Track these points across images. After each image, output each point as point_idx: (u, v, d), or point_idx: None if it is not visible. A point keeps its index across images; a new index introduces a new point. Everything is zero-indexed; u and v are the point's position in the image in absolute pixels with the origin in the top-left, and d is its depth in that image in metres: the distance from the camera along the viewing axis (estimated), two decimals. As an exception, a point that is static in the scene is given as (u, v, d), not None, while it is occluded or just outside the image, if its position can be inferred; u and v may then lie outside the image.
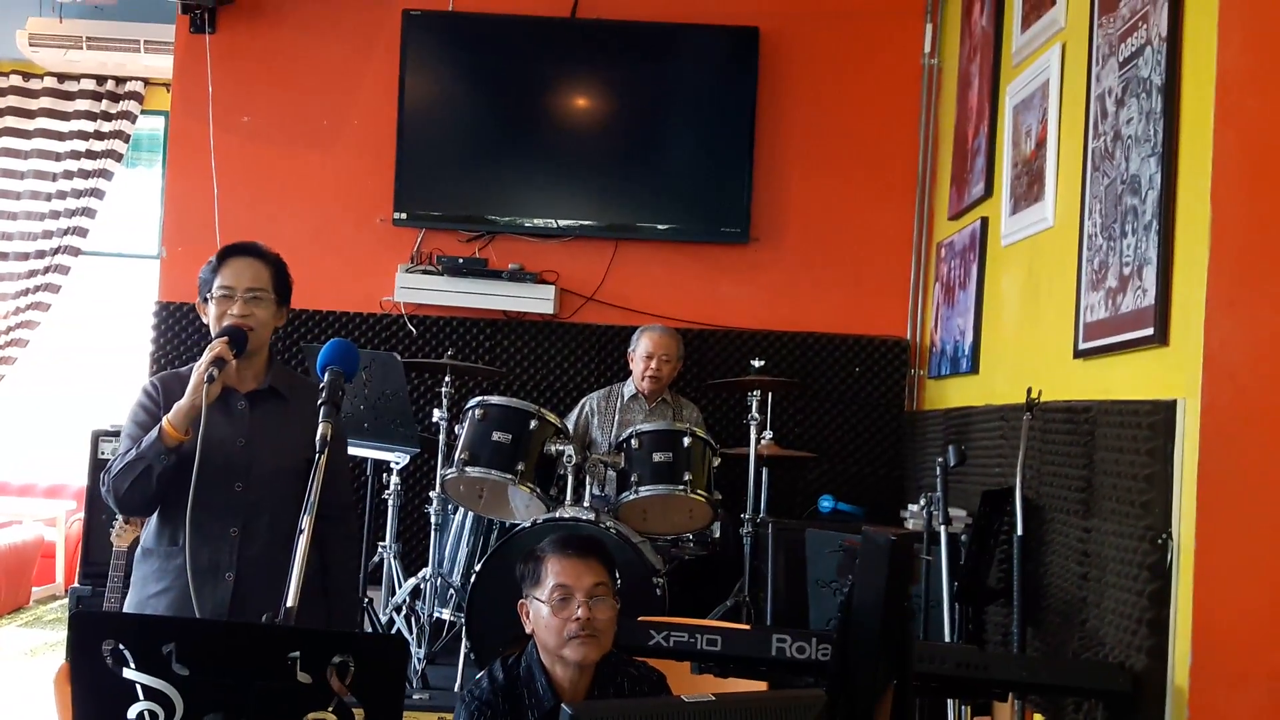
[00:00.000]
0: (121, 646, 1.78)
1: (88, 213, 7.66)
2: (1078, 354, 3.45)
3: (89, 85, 7.62)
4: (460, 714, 2.66)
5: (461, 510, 4.91)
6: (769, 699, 1.93)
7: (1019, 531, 3.24)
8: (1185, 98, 2.89)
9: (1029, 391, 3.39)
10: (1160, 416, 2.79)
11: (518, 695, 2.65)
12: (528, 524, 4.32)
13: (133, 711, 1.80)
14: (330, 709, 1.82)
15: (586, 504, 4.54)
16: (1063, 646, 3.25)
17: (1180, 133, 2.90)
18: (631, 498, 4.56)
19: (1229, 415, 2.65)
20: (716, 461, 4.70)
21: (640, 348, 5.27)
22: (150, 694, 1.80)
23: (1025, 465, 3.34)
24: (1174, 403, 2.76)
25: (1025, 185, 4.13)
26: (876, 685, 2.59)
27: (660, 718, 1.65)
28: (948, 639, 3.42)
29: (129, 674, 1.79)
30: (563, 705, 1.60)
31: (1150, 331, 2.93)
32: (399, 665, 1.92)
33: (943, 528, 3.42)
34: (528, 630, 2.73)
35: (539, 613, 2.67)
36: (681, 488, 4.53)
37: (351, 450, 4.80)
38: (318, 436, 2.36)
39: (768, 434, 5.10)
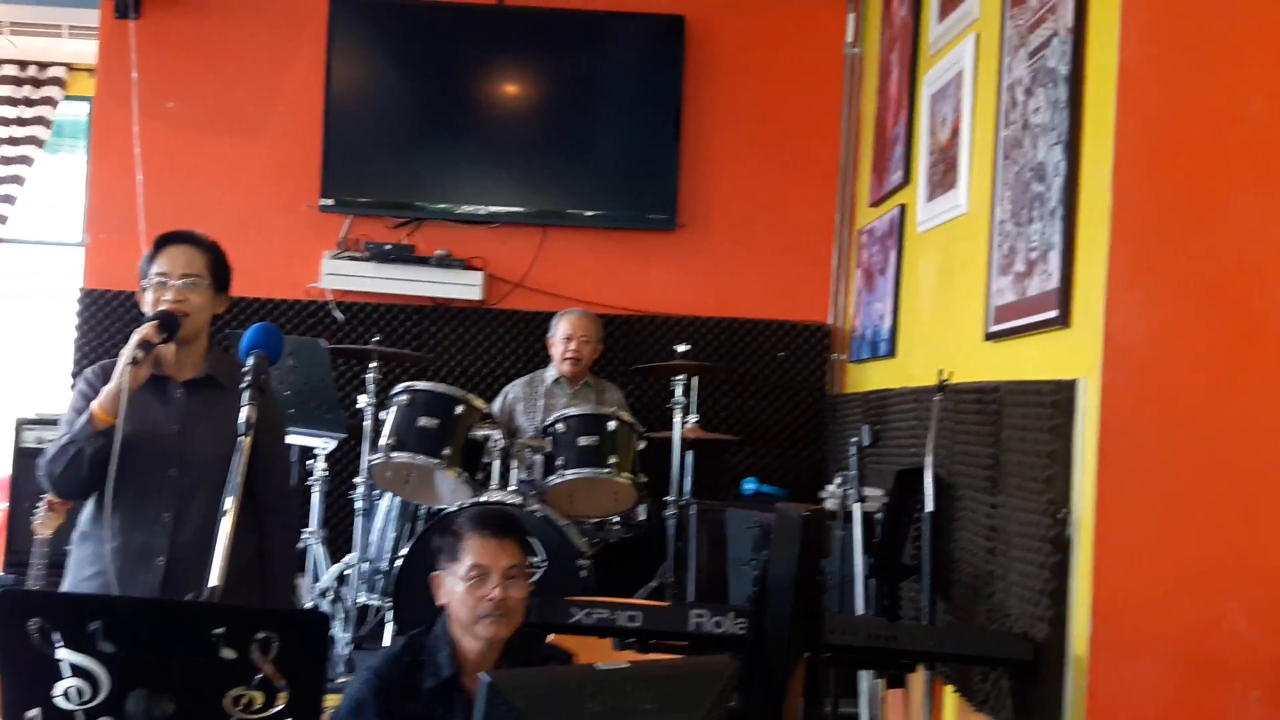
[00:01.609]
0: (48, 625, 1.82)
1: (8, 200, 7.55)
2: (988, 336, 3.56)
3: (10, 71, 7.51)
4: (355, 682, 2.75)
5: (387, 495, 4.94)
6: (680, 666, 2.01)
7: (929, 509, 3.35)
8: (1089, 88, 3.00)
9: (940, 373, 3.50)
10: (1061, 395, 2.91)
11: (416, 664, 2.72)
12: (454, 508, 4.37)
13: (59, 688, 1.84)
14: (254, 684, 1.87)
15: (513, 487, 4.60)
16: (971, 618, 3.36)
17: (1084, 122, 3.01)
18: (558, 481, 4.62)
19: (1127, 394, 2.76)
20: (642, 445, 4.78)
21: (559, 331, 5.34)
22: (76, 671, 1.83)
23: (936, 445, 3.45)
24: (1074, 382, 2.87)
25: (940, 173, 4.24)
26: (790, 656, 2.68)
27: (576, 684, 1.72)
28: (862, 613, 3.53)
29: (55, 652, 1.82)
30: (480, 674, 1.66)
31: (1055, 314, 3.04)
32: (321, 640, 1.96)
33: (857, 506, 3.53)
34: (440, 602, 2.80)
35: (454, 588, 2.74)
36: (607, 470, 4.60)
37: (279, 436, 4.82)
38: (241, 420, 2.40)
39: (692, 417, 5.18)
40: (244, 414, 2.42)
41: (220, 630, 1.85)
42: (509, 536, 2.80)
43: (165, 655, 1.85)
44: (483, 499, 4.44)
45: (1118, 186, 2.78)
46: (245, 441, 2.36)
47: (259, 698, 1.88)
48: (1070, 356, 2.98)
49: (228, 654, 1.86)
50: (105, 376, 2.94)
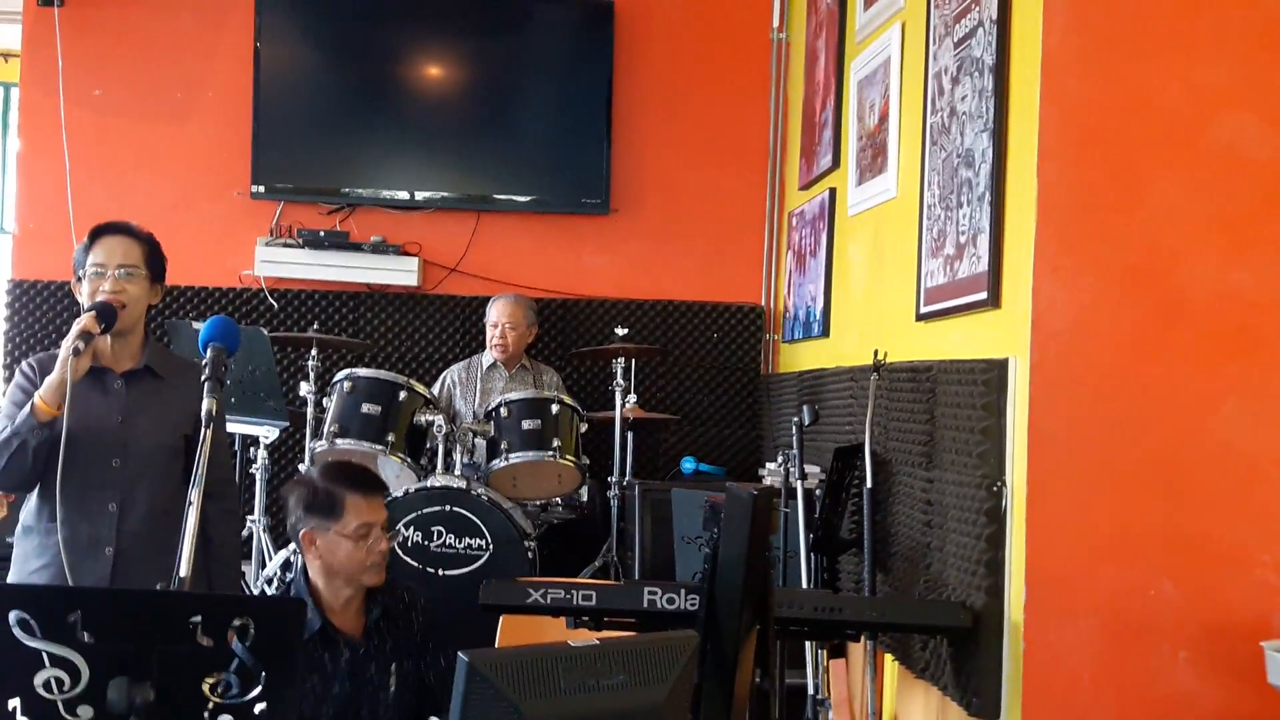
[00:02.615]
0: (27, 616, 1.86)
1: (-72, 188, 7.44)
2: (920, 317, 3.68)
3: (-73, 57, 7.39)
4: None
5: (332, 481, 4.96)
6: (647, 641, 2.09)
7: (868, 484, 3.46)
8: (1013, 77, 3.12)
9: (876, 353, 3.61)
10: (993, 374, 3.03)
11: None
12: (399, 493, 4.42)
13: (39, 679, 1.88)
14: (231, 669, 1.93)
15: (457, 472, 4.66)
16: (910, 589, 3.49)
17: (1010, 110, 3.12)
18: (502, 465, 4.68)
19: (1054, 371, 2.89)
20: (584, 427, 4.86)
21: (490, 316, 5.43)
22: (56, 661, 1.88)
23: (873, 422, 3.57)
24: (1006, 361, 2.99)
25: (870, 158, 4.36)
26: (741, 630, 2.78)
27: (549, 661, 1.79)
28: (805, 587, 3.64)
29: (34, 643, 1.86)
30: (459, 653, 1.73)
31: (984, 295, 3.16)
32: (296, 626, 2.02)
33: (799, 483, 3.64)
34: (310, 558, 3.06)
35: (336, 545, 3.00)
36: (551, 453, 4.67)
37: (220, 425, 4.83)
38: (202, 411, 2.44)
39: (631, 398, 5.27)
40: (205, 405, 2.46)
41: (197, 618, 1.90)
42: (379, 494, 3.13)
43: (144, 644, 1.90)
44: (427, 484, 4.49)
45: (1042, 173, 2.90)
46: (207, 434, 2.40)
47: (236, 683, 1.93)
48: (1000, 336, 3.10)
49: (205, 641, 1.91)
50: (42, 369, 2.95)
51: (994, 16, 3.21)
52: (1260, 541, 2.85)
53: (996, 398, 3.02)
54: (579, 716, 1.82)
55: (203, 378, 2.52)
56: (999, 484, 3.00)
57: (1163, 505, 2.87)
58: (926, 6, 3.76)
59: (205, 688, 1.93)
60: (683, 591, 2.97)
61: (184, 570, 2.21)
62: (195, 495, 2.32)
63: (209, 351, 2.57)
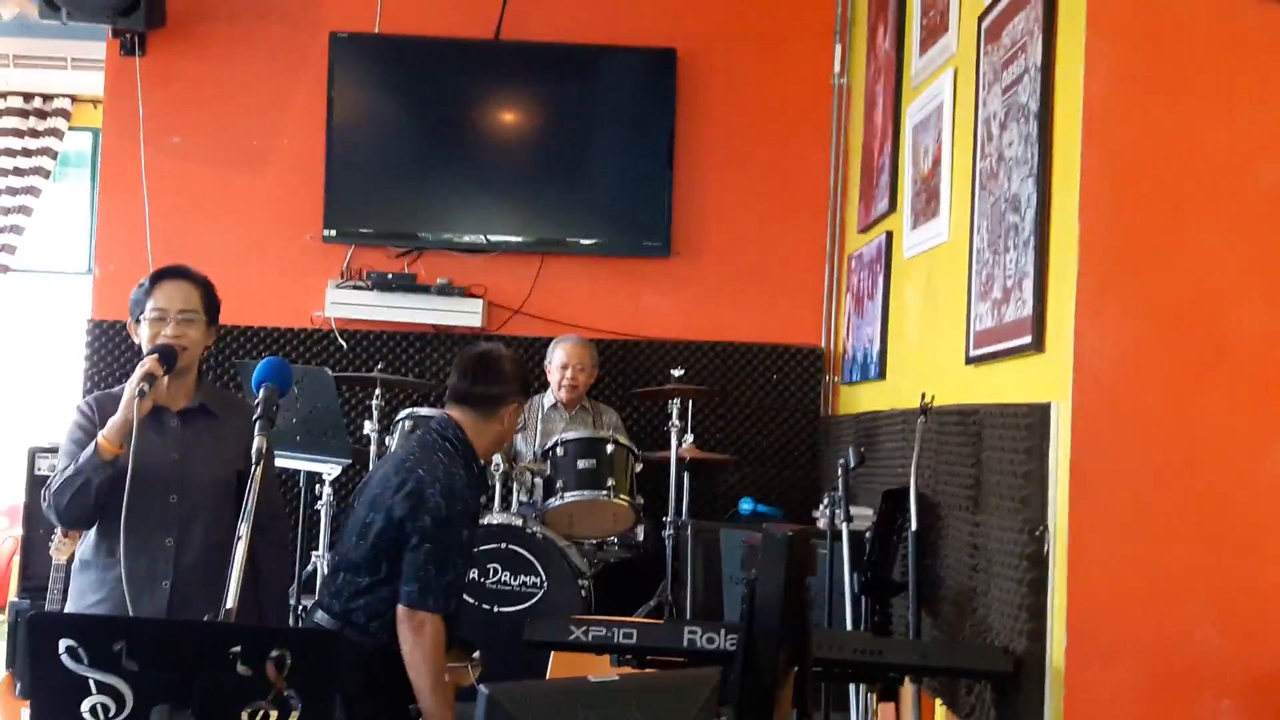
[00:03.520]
0: (76, 644, 1.95)
1: (16, 230, 7.71)
2: (969, 360, 3.69)
3: (15, 103, 7.68)
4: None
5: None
6: (668, 678, 2.14)
7: (913, 527, 3.48)
8: (1057, 123, 3.14)
9: (923, 396, 3.63)
10: (1036, 418, 3.04)
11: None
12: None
13: (86, 705, 1.97)
14: (269, 699, 2.00)
15: (514, 510, 4.73)
16: (956, 634, 3.49)
17: (1054, 156, 3.14)
18: (558, 503, 4.75)
19: (1096, 416, 2.90)
20: (638, 467, 4.92)
21: (555, 359, 5.48)
22: (102, 688, 1.96)
23: (921, 465, 3.58)
24: (1048, 405, 3.00)
25: (924, 201, 4.38)
26: (779, 671, 2.81)
27: (568, 696, 1.84)
28: (849, 629, 3.65)
29: (82, 670, 1.95)
30: (479, 686, 1.79)
31: (1029, 340, 3.17)
32: (331, 657, 2.09)
33: (844, 525, 3.65)
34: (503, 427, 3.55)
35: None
36: (605, 493, 4.73)
37: (284, 462, 4.96)
38: (253, 449, 2.52)
39: (689, 438, 5.31)
40: (256, 443, 2.54)
41: (237, 648, 1.98)
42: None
43: (185, 672, 1.98)
44: (485, 521, 4.56)
45: (1084, 218, 2.92)
46: (257, 471, 2.48)
47: (274, 713, 2.01)
48: (1044, 380, 3.11)
49: (244, 671, 1.99)
50: (100, 407, 3.07)
51: (1039, 63, 3.23)
52: (1307, 589, 2.82)
53: (1039, 442, 3.02)
54: (599, 750, 1.87)
55: (254, 417, 2.61)
56: (1041, 528, 2.99)
57: (1206, 551, 2.85)
58: (977, 53, 3.79)
59: (245, 716, 2.01)
60: (723, 631, 3.00)
61: (230, 602, 2.29)
62: (244, 529, 2.40)
63: (261, 391, 2.67)
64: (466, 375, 3.50)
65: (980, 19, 3.74)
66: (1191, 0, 2.93)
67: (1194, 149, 2.91)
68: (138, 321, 3.11)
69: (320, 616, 3.33)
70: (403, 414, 4.84)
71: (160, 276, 3.14)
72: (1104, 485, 2.89)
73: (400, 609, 3.19)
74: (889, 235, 4.93)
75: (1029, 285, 3.21)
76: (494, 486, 4.75)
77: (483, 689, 1.80)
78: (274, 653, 1.98)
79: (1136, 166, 2.92)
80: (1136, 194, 2.92)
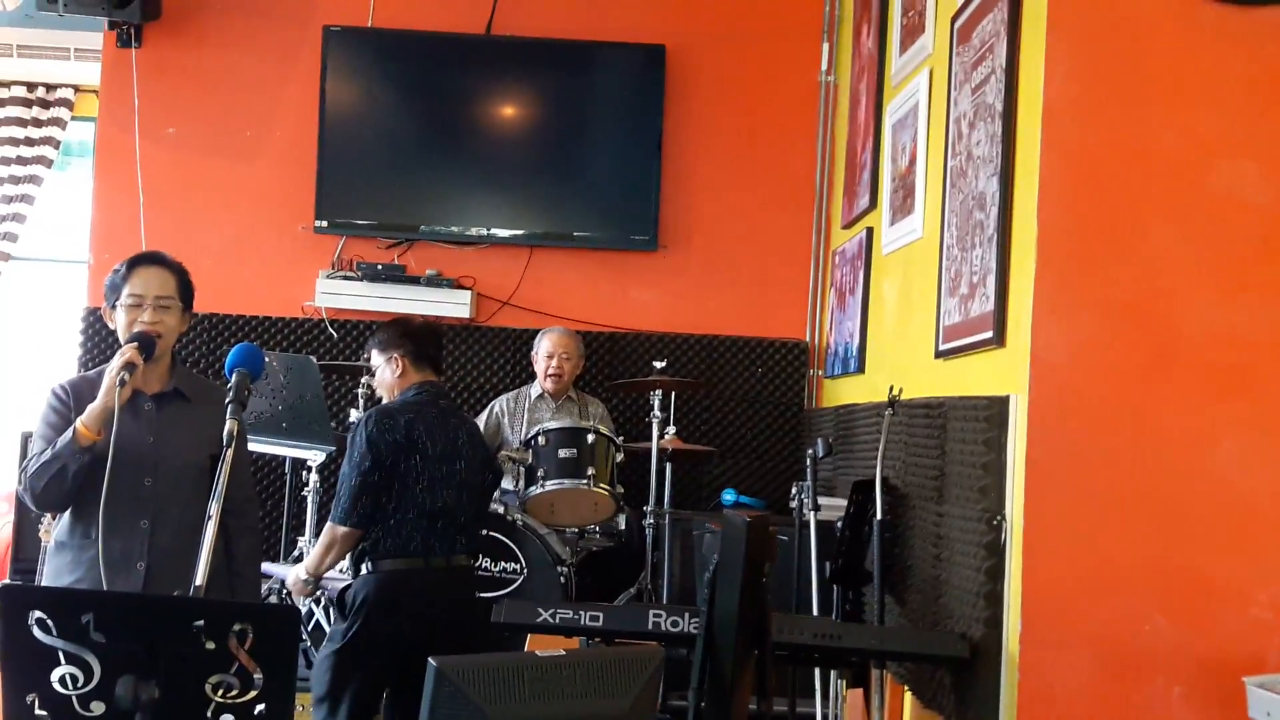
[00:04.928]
0: (45, 616, 2.02)
1: (18, 219, 7.78)
2: (938, 354, 3.77)
3: (19, 92, 7.75)
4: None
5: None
6: (612, 654, 2.21)
7: (879, 517, 3.55)
8: (1020, 123, 3.21)
9: (890, 389, 3.70)
10: (995, 411, 3.11)
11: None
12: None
13: (55, 675, 2.04)
14: (231, 671, 2.08)
15: (497, 498, 4.80)
16: (921, 620, 3.56)
17: (1016, 155, 3.22)
18: (538, 491, 4.83)
19: (1051, 409, 2.97)
20: (619, 456, 4.99)
21: (541, 348, 5.56)
22: (71, 659, 2.04)
23: (889, 457, 3.66)
24: (1007, 398, 3.08)
25: (901, 198, 4.45)
26: (739, 655, 2.88)
27: (518, 670, 1.92)
28: (815, 615, 3.73)
29: (51, 641, 2.03)
30: (429, 659, 1.86)
31: (991, 334, 3.24)
32: (293, 632, 2.17)
33: (811, 514, 3.73)
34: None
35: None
36: (585, 481, 4.81)
37: (271, 449, 5.05)
38: (225, 431, 2.59)
39: (671, 429, 5.38)
40: (227, 426, 2.61)
41: (200, 623, 2.06)
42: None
43: (151, 645, 2.05)
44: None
45: (1042, 216, 2.99)
46: (229, 453, 2.55)
47: (237, 684, 2.08)
48: (1004, 374, 3.18)
49: (208, 644, 2.06)
50: (75, 392, 3.13)
51: (1004, 64, 3.30)
52: (1254, 578, 2.90)
53: (998, 434, 3.10)
54: (544, 723, 1.94)
55: (227, 400, 2.68)
56: (999, 518, 3.07)
57: (1158, 541, 2.93)
58: (950, 53, 3.86)
59: (208, 688, 2.09)
60: (687, 615, 3.08)
61: (199, 579, 2.36)
62: (214, 509, 2.47)
63: (234, 376, 2.73)
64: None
65: (953, 20, 3.81)
66: (1149, 4, 3.00)
67: (1150, 150, 2.98)
68: (113, 307, 3.17)
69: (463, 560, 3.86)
70: (389, 402, 4.90)
71: (136, 263, 3.20)
72: (1058, 476, 2.96)
73: None
74: (869, 231, 5.00)
75: (992, 281, 3.28)
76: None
77: (431, 661, 1.88)
78: (236, 627, 2.05)
79: (1094, 166, 2.99)
80: (1093, 193, 2.99)
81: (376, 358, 3.98)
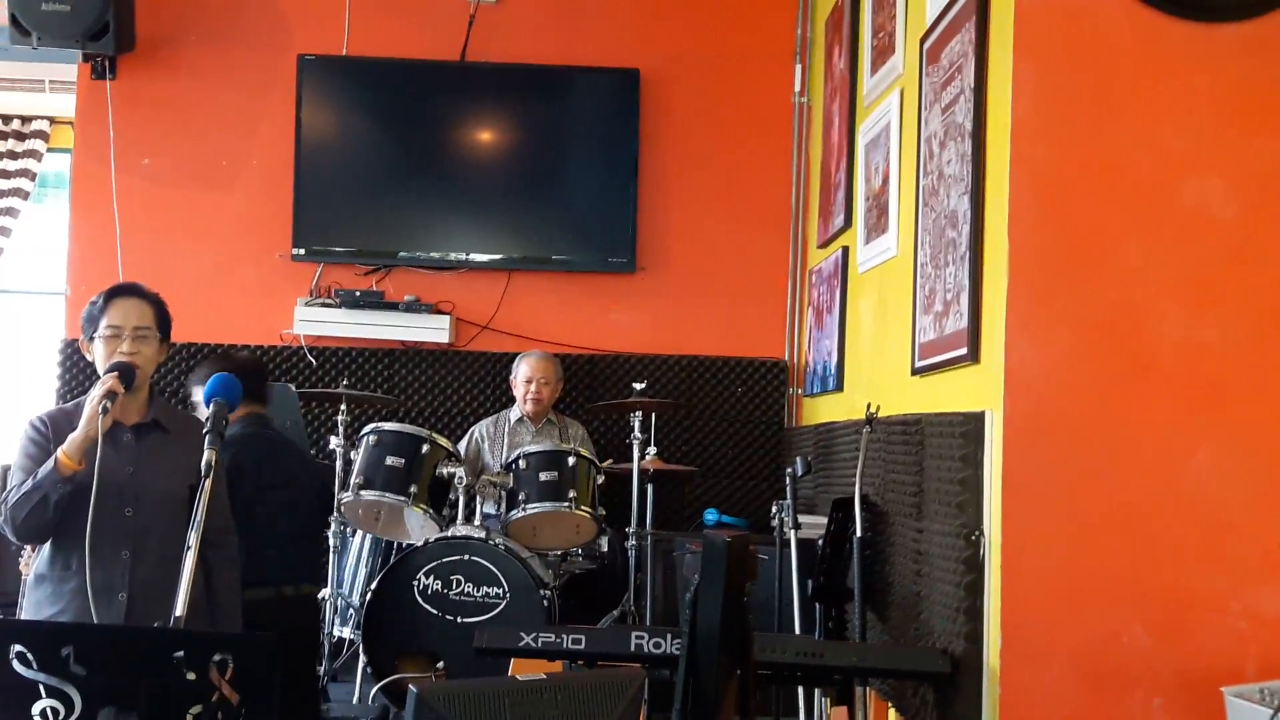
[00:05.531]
0: (25, 650, 2.03)
1: (-5, 251, 7.76)
2: (914, 371, 3.79)
3: (-7, 124, 7.74)
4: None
5: (360, 532, 5.15)
6: (594, 678, 2.21)
7: (859, 534, 3.57)
8: (989, 142, 3.24)
9: (868, 407, 3.72)
10: (971, 427, 3.13)
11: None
12: (420, 543, 4.58)
13: (36, 708, 2.05)
14: (212, 700, 2.08)
15: (478, 522, 4.81)
16: (902, 637, 3.58)
17: (986, 173, 3.25)
18: (520, 515, 4.83)
19: (1027, 424, 3.00)
20: (600, 479, 5.00)
21: (520, 373, 5.57)
22: (52, 692, 2.04)
23: (868, 474, 3.68)
24: (982, 414, 3.10)
25: (875, 218, 4.49)
26: (721, 674, 2.89)
27: (498, 695, 1.92)
28: (798, 633, 3.74)
29: (31, 674, 2.03)
30: (410, 687, 1.87)
31: (965, 351, 3.27)
32: (272, 662, 2.17)
33: (792, 532, 3.75)
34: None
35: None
36: (567, 504, 4.81)
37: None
38: (203, 462, 2.60)
39: (651, 450, 5.40)
40: (205, 456, 2.62)
41: (180, 653, 2.06)
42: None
43: (131, 676, 2.06)
44: (449, 534, 4.64)
45: (1013, 233, 3.02)
46: (207, 483, 2.56)
47: (218, 715, 2.09)
48: (979, 390, 3.21)
49: (189, 675, 2.07)
50: (54, 424, 3.13)
51: (972, 84, 3.34)
52: (1230, 588, 2.92)
53: (974, 450, 3.12)
54: (526, 748, 1.95)
55: (204, 430, 2.68)
56: (977, 533, 3.09)
57: (1135, 553, 2.95)
58: (920, 74, 3.90)
59: (189, 718, 2.09)
60: (669, 636, 3.09)
61: (179, 610, 2.37)
62: (194, 539, 2.48)
63: (211, 406, 2.74)
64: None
65: (922, 41, 3.85)
66: (1115, 21, 3.04)
67: (1118, 166, 3.01)
68: (91, 339, 3.17)
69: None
70: (367, 429, 4.91)
71: (113, 294, 3.20)
72: (1034, 491, 2.99)
73: None
74: (845, 250, 5.03)
75: (965, 299, 3.31)
76: (458, 499, 4.83)
77: (412, 688, 1.88)
78: (216, 657, 2.06)
79: (1063, 184, 3.03)
80: (1063, 210, 3.02)
81: (197, 393, 4.08)
